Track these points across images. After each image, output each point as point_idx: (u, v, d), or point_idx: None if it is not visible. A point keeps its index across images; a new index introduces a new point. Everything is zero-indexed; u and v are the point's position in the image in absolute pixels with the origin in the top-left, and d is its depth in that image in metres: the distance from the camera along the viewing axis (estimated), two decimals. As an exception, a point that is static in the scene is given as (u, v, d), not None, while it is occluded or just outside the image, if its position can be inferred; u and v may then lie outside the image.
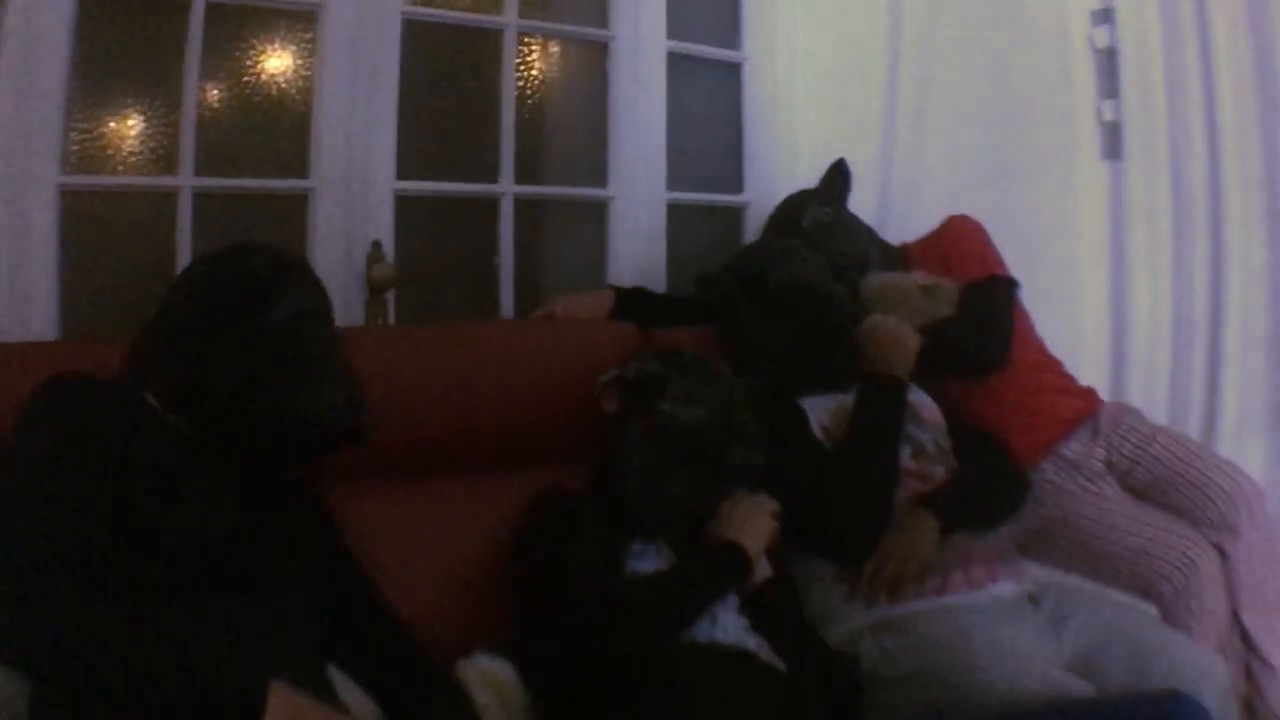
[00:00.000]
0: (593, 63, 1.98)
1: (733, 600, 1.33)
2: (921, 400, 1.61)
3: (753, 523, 1.36)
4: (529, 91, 1.94)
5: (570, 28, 1.96)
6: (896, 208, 2.06)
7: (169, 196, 1.58)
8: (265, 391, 1.07)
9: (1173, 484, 1.64)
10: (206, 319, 1.08)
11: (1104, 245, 2.27)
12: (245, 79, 1.69)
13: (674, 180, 2.01)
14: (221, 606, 0.97)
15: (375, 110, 1.70)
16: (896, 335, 1.52)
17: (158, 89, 1.60)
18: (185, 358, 1.07)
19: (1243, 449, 2.06)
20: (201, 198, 1.59)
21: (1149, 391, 2.19)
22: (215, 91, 1.67)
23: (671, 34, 2.00)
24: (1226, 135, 2.09)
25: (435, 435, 1.46)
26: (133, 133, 1.61)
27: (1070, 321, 2.24)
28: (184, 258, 1.56)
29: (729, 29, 2.12)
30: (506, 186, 1.85)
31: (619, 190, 1.96)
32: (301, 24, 1.70)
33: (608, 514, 1.37)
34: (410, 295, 1.75)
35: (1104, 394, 2.12)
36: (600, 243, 1.95)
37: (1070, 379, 1.87)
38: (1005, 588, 1.44)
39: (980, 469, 1.55)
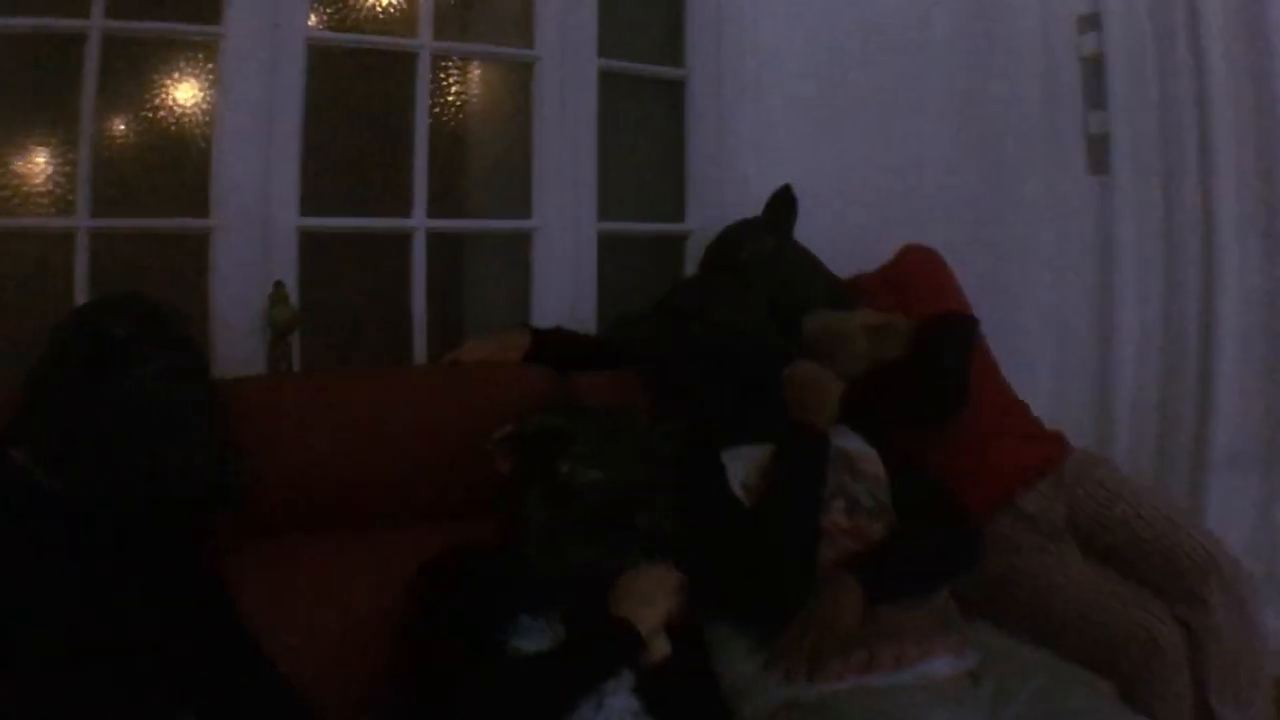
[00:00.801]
0: (516, 84, 1.89)
1: (626, 680, 1.23)
2: (860, 450, 1.50)
3: (650, 597, 1.26)
4: (445, 118, 1.87)
5: (491, 48, 1.87)
6: (856, 237, 1.93)
7: (67, 238, 1.55)
8: (125, 453, 1.07)
9: (1138, 550, 1.50)
10: (65, 381, 1.08)
11: (1091, 265, 2.16)
12: (144, 114, 1.68)
13: (607, 208, 1.92)
14: (72, 676, 0.96)
15: (277, 142, 1.64)
16: (815, 383, 1.42)
17: (54, 127, 1.58)
18: (47, 419, 1.08)
19: (1234, 483, 1.96)
20: (100, 239, 1.57)
21: (1137, 422, 2.11)
22: (114, 129, 1.65)
23: (604, 51, 1.90)
24: (1220, 148, 1.99)
25: (334, 488, 1.40)
26: (32, 173, 1.61)
27: (1054, 347, 2.17)
28: (83, 301, 1.52)
29: (670, 44, 2.01)
30: (419, 221, 1.77)
31: (544, 221, 1.86)
32: (202, 54, 1.66)
33: (504, 580, 1.28)
34: (317, 338, 1.70)
35: (1089, 424, 2.02)
36: (524, 279, 1.86)
37: (1035, 423, 1.72)
38: (940, 665, 1.34)
39: (923, 527, 1.44)
